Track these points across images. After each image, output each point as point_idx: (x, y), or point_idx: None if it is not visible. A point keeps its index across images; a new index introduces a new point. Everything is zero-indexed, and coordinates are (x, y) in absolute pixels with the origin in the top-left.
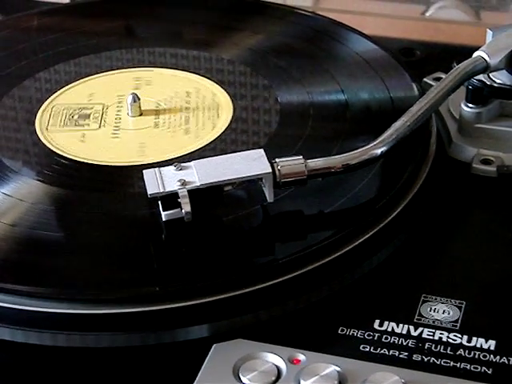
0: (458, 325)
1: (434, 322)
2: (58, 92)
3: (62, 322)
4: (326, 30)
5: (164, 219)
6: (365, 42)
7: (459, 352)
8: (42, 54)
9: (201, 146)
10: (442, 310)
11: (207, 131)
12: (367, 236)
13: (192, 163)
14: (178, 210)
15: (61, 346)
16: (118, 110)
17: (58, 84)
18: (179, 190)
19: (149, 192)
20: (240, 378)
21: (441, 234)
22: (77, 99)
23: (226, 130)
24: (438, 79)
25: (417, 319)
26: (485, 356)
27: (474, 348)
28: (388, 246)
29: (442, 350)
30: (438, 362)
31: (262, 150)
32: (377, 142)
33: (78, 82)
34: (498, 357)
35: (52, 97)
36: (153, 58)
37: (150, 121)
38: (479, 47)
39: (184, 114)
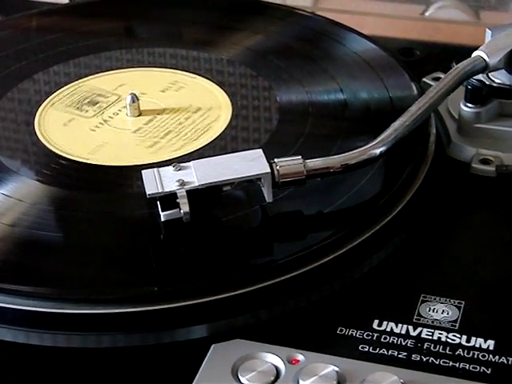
0: (457, 325)
1: (433, 321)
2: (57, 92)
3: (60, 323)
4: (325, 30)
5: (163, 219)
6: (364, 41)
7: (458, 352)
8: (42, 55)
9: (200, 147)
10: (441, 310)
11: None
12: (366, 236)
13: (191, 163)
14: (177, 210)
15: (60, 346)
16: (123, 107)
17: (57, 85)
18: (178, 191)
19: (147, 192)
20: (239, 378)
21: (440, 233)
22: (105, 85)
23: (225, 130)
24: (437, 79)
25: (416, 319)
26: (484, 356)
27: (473, 348)
28: (387, 246)
29: (441, 350)
30: (437, 362)
31: (260, 150)
32: (376, 141)
33: (118, 71)
34: (497, 357)
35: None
36: (152, 58)
37: (139, 122)
38: (478, 47)
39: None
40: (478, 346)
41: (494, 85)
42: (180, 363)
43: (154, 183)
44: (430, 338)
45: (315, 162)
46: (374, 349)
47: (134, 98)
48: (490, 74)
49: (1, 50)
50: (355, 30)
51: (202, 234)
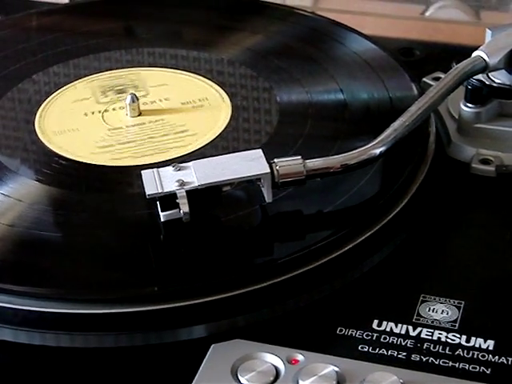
0: (457, 325)
1: (432, 321)
2: (58, 92)
3: (60, 323)
4: (325, 30)
5: (162, 220)
6: (364, 41)
7: (458, 352)
8: (41, 54)
9: (200, 147)
10: (441, 310)
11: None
12: (365, 236)
13: (190, 163)
14: (177, 210)
15: (63, 346)
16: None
17: (57, 85)
18: (177, 191)
19: (147, 192)
20: (238, 379)
21: (439, 233)
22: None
23: (224, 130)
24: (437, 79)
25: (415, 319)
26: (483, 356)
27: (473, 348)
28: (386, 246)
29: (440, 350)
30: (437, 362)
31: (260, 151)
32: (376, 141)
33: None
34: (496, 357)
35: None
36: (152, 58)
37: (131, 122)
38: (478, 47)
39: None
40: (477, 346)
41: (494, 85)
42: (180, 363)
43: (154, 183)
44: (430, 338)
45: (315, 162)
46: (374, 349)
47: (134, 98)
48: (490, 74)
49: (0, 50)
50: (355, 29)
51: (202, 235)
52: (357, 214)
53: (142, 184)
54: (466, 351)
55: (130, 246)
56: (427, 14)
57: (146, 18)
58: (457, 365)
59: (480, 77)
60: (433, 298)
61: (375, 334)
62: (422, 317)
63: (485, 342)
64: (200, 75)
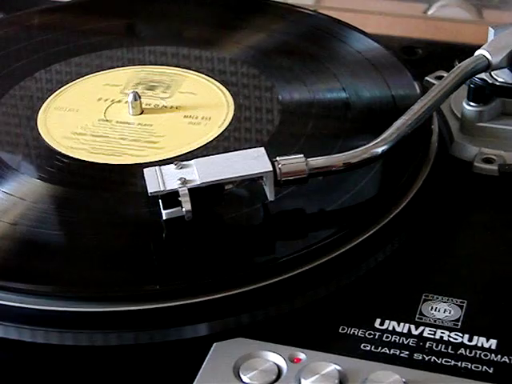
0: (459, 324)
1: (435, 321)
2: (61, 89)
3: (63, 321)
4: (327, 29)
5: (164, 218)
6: (366, 40)
7: (460, 351)
8: (43, 52)
9: (202, 145)
10: (443, 309)
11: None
12: (368, 234)
13: (193, 162)
14: (179, 208)
15: (67, 344)
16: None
17: (59, 83)
18: (180, 189)
19: (149, 190)
20: (240, 377)
21: (442, 232)
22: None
23: (227, 128)
24: (439, 78)
25: (418, 318)
26: (486, 355)
27: (475, 347)
28: (389, 244)
29: (443, 349)
30: (439, 361)
31: (262, 149)
32: (378, 140)
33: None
34: (499, 356)
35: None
36: (154, 57)
37: (130, 119)
38: (481, 46)
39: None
40: (480, 345)
41: (497, 83)
42: (182, 361)
43: (156, 181)
44: (432, 337)
45: (317, 161)
46: (376, 348)
47: (136, 97)
48: (492, 73)
49: (2, 48)
50: (358, 28)
51: (204, 233)
52: (359, 213)
53: (145, 182)
54: (468, 350)
55: (132, 244)
56: (430, 12)
57: (148, 16)
58: (459, 364)
59: (483, 75)
60: (435, 297)
61: (377, 333)
62: (424, 316)
63: (487, 341)
64: (203, 74)
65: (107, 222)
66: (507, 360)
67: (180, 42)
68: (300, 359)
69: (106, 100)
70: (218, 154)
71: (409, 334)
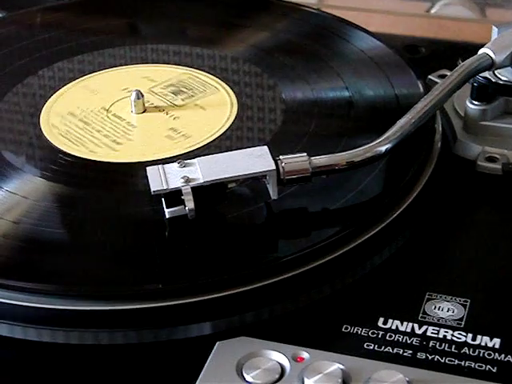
0: (463, 323)
1: (438, 320)
2: (64, 88)
3: (68, 320)
4: (330, 27)
5: (167, 216)
6: (370, 39)
7: (464, 350)
8: (46, 51)
9: (205, 143)
10: (447, 308)
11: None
12: (372, 233)
13: (196, 160)
14: (182, 207)
15: (72, 343)
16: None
17: (62, 81)
18: (183, 187)
19: (152, 189)
20: (243, 376)
21: (445, 231)
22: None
23: (230, 127)
24: (442, 76)
25: (421, 317)
26: (489, 354)
27: (479, 346)
28: (392, 243)
29: (446, 348)
30: (443, 361)
31: (265, 147)
32: (381, 139)
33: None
34: (502, 355)
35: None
36: (156, 55)
37: (129, 117)
38: (484, 44)
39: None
40: (483, 344)
41: (500, 82)
42: (185, 360)
43: (159, 180)
44: (436, 336)
45: (320, 160)
46: (380, 347)
47: (139, 95)
48: (496, 72)
49: (5, 47)
50: (361, 27)
51: (207, 231)
52: (363, 212)
53: (147, 180)
54: (471, 349)
55: (135, 242)
56: (433, 11)
57: (150, 14)
58: (463, 363)
59: (486, 74)
60: (439, 296)
61: (381, 332)
62: (427, 315)
63: (491, 340)
64: (206, 72)
65: (111, 220)
66: (511, 359)
67: (182, 40)
68: (303, 358)
69: (130, 91)
70: (221, 152)
71: (412, 333)
